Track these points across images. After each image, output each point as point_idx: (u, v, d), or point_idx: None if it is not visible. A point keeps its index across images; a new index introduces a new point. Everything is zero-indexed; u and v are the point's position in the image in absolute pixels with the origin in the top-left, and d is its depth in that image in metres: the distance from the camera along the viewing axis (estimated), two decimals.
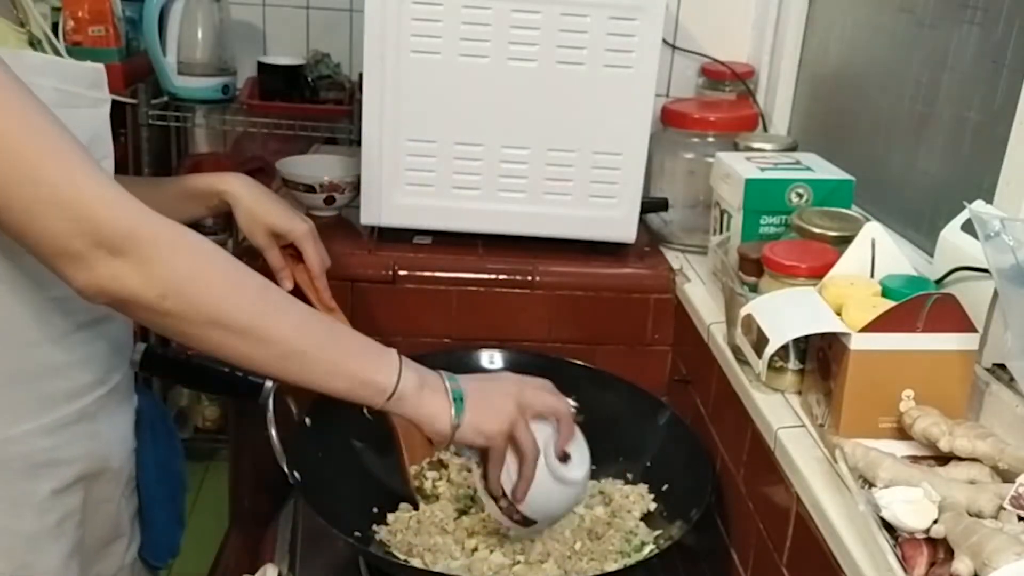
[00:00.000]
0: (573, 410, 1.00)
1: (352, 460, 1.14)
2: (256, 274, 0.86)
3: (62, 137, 0.79)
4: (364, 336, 0.92)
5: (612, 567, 1.02)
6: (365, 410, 0.95)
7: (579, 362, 1.29)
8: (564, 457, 0.96)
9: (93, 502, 0.99)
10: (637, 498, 1.13)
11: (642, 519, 1.10)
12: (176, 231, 0.82)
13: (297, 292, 1.22)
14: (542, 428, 0.96)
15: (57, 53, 0.93)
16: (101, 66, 0.92)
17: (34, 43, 0.90)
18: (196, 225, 1.22)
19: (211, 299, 0.82)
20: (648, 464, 1.17)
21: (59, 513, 0.95)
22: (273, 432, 1.04)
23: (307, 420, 1.11)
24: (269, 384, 1.08)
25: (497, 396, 0.94)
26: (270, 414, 1.06)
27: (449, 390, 0.92)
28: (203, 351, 0.84)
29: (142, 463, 1.08)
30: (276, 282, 1.19)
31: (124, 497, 1.05)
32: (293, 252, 1.20)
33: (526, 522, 0.97)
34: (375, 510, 1.09)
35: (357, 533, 1.02)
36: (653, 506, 1.12)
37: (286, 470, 1.03)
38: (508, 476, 0.95)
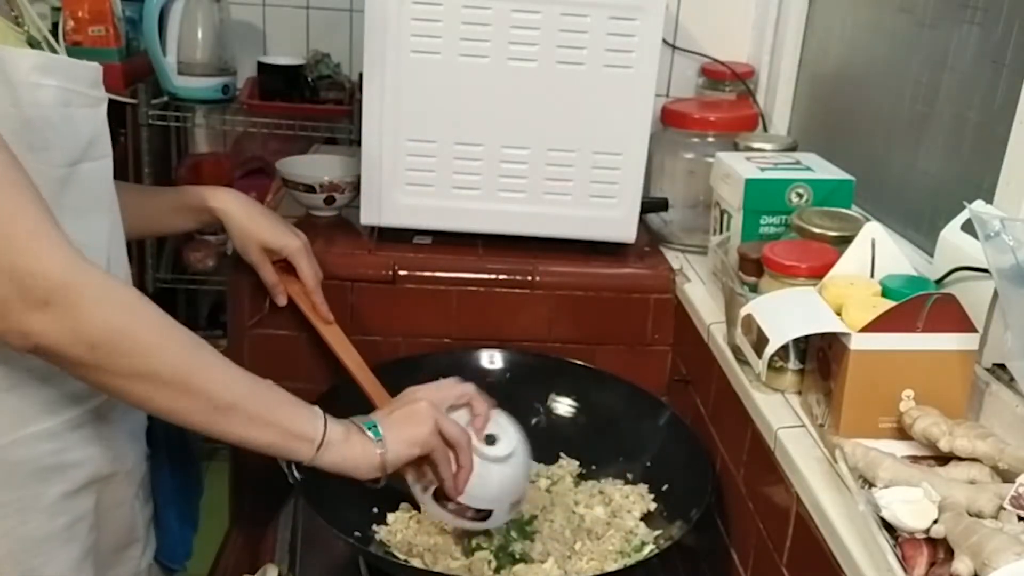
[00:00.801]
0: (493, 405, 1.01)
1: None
2: (186, 329, 0.85)
3: (11, 176, 0.77)
4: (287, 392, 0.93)
5: (612, 567, 1.02)
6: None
7: (579, 362, 1.29)
8: (491, 440, 0.98)
9: (106, 505, 0.99)
10: (637, 498, 1.13)
11: (642, 519, 1.10)
12: (106, 282, 0.81)
13: (292, 306, 1.22)
14: (459, 417, 0.98)
15: (56, 53, 0.92)
16: (98, 65, 0.92)
17: (32, 43, 0.89)
18: None
19: (141, 351, 0.81)
20: (648, 464, 1.17)
21: (69, 516, 0.94)
22: None
23: None
24: None
25: (407, 406, 0.96)
26: None
27: (363, 427, 0.94)
28: (131, 403, 0.84)
29: (156, 467, 1.08)
30: (271, 297, 1.22)
31: (139, 500, 1.05)
32: (285, 266, 1.20)
33: (481, 515, 0.98)
34: (375, 510, 1.09)
35: (357, 533, 1.02)
36: (653, 506, 1.12)
37: (286, 470, 1.03)
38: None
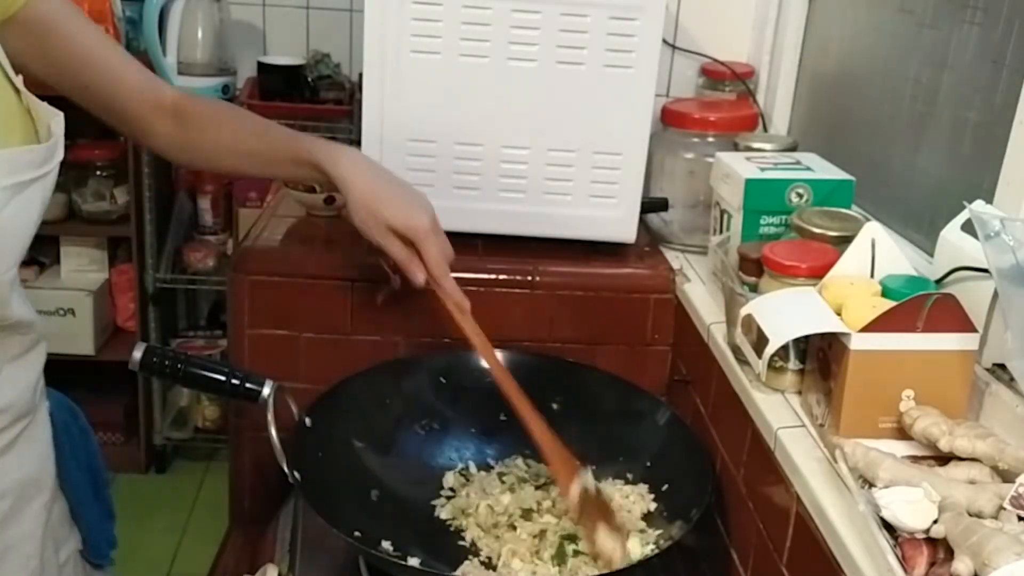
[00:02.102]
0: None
1: (352, 460, 1.14)
2: None
3: None
4: None
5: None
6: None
7: (579, 362, 1.28)
8: None
9: (36, 524, 0.96)
10: (637, 498, 1.12)
11: (642, 519, 1.10)
12: None
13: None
14: None
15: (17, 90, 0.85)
16: (51, 143, 0.84)
17: None
18: (198, 224, 1.21)
19: None
20: (648, 464, 1.17)
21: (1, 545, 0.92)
22: (273, 432, 1.04)
23: (307, 420, 1.11)
24: (268, 386, 1.08)
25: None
26: (270, 414, 1.06)
27: None
28: None
29: (63, 465, 1.03)
30: (408, 277, 1.09)
31: (56, 505, 1.01)
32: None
33: None
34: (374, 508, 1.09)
35: (357, 533, 1.02)
36: (653, 506, 1.12)
37: (286, 470, 1.03)
38: None
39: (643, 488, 1.14)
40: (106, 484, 1.13)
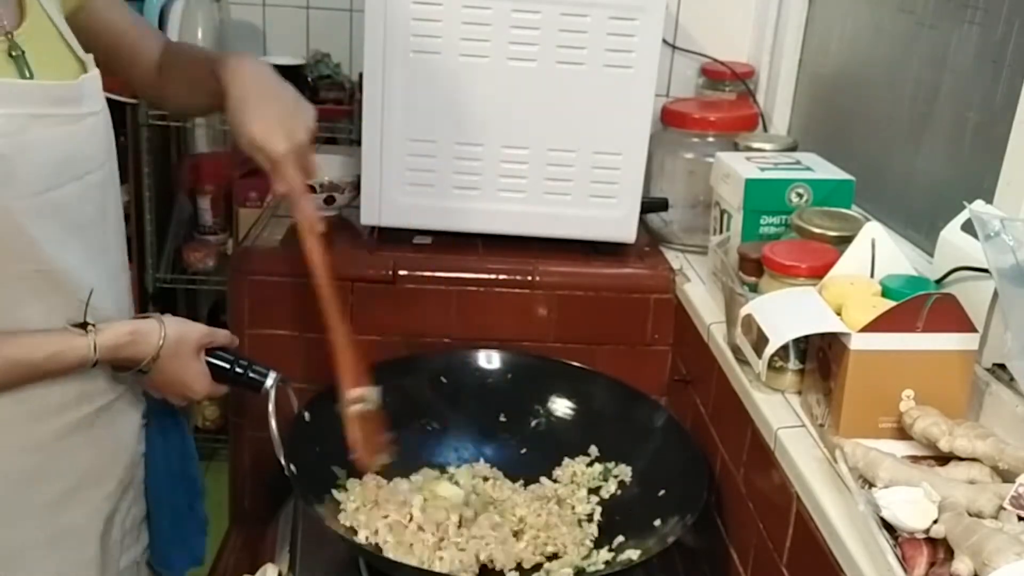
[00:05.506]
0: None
1: (349, 457, 1.14)
2: None
3: None
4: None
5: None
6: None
7: (577, 364, 1.28)
8: None
9: (95, 514, 0.98)
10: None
11: (634, 522, 1.10)
12: None
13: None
14: None
15: (27, 64, 0.88)
16: (76, 82, 0.90)
17: (12, 50, 0.87)
18: (198, 224, 1.21)
19: None
20: (644, 470, 1.16)
21: (56, 527, 0.93)
22: (273, 423, 1.04)
23: (306, 415, 1.11)
24: (272, 377, 1.08)
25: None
26: (271, 405, 1.05)
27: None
28: None
29: (151, 468, 1.07)
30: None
31: (131, 503, 1.04)
32: None
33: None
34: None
35: (349, 525, 1.02)
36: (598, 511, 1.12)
37: (282, 462, 1.03)
38: None
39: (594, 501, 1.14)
40: (200, 495, 1.15)
